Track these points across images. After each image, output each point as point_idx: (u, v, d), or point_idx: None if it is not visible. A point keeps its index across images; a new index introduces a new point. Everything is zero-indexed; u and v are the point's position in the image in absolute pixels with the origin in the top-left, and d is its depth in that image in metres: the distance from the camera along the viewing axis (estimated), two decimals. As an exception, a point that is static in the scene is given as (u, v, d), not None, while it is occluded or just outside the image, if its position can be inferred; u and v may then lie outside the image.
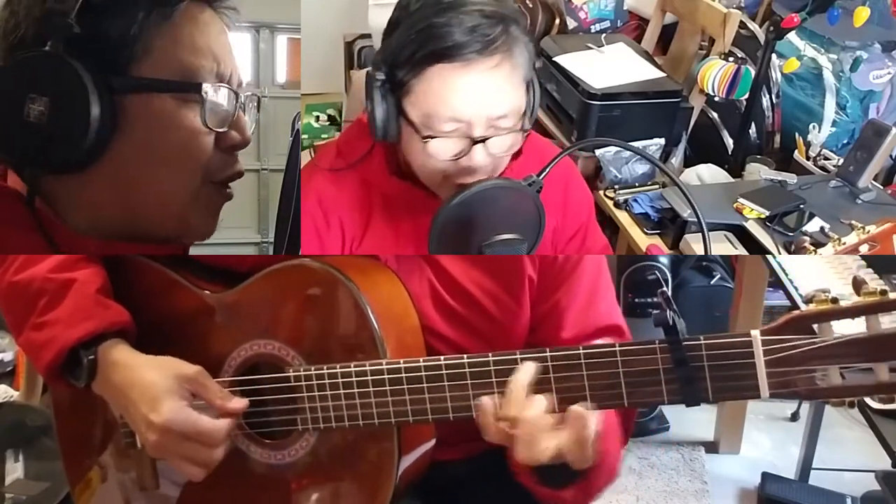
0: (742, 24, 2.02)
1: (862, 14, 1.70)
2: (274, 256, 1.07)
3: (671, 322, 0.75)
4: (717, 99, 2.02)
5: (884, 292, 0.72)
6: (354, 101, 2.60)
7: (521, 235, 1.02)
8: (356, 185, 1.10)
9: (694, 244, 1.66)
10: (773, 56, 1.87)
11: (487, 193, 0.98)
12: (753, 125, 2.00)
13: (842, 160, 1.83)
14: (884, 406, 1.41)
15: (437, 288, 0.98)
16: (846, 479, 2.19)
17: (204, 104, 0.83)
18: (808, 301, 0.75)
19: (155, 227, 0.86)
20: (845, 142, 2.00)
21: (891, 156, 1.85)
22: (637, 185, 1.90)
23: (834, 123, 2.00)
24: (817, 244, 1.54)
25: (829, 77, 2.00)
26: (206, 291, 0.97)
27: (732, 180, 1.90)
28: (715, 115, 2.09)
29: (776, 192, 1.71)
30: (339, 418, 0.88)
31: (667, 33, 2.32)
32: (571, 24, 2.45)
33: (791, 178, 1.76)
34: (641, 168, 1.93)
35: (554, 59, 2.05)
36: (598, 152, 1.92)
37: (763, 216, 1.63)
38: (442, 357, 0.84)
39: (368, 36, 2.72)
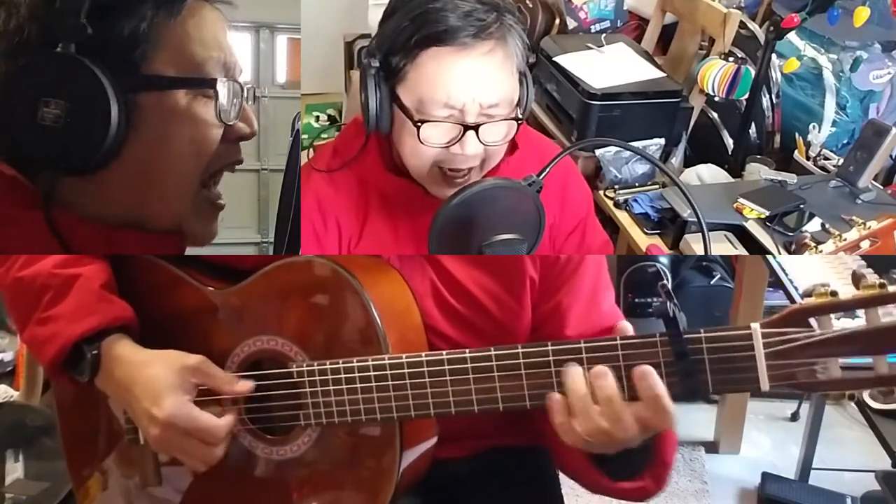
0: (742, 24, 2.02)
1: (862, 14, 1.70)
2: (276, 256, 1.07)
3: (672, 314, 0.75)
4: (717, 99, 2.02)
5: (882, 285, 0.72)
6: (354, 101, 2.60)
7: (521, 235, 1.02)
8: (352, 184, 1.10)
9: (694, 244, 1.66)
10: (773, 56, 1.87)
11: (487, 193, 0.98)
12: (753, 125, 2.00)
13: (842, 160, 1.83)
14: (884, 406, 1.41)
15: (439, 287, 0.98)
16: (846, 479, 2.19)
17: (217, 99, 0.84)
18: (807, 295, 0.75)
19: (157, 222, 0.87)
20: (845, 142, 2.00)
21: (891, 156, 1.85)
22: (637, 185, 1.90)
23: (834, 123, 2.00)
24: (818, 241, 1.54)
25: (829, 77, 2.00)
26: (210, 288, 0.97)
27: (732, 180, 1.90)
28: (715, 115, 2.09)
29: (776, 192, 1.71)
30: (342, 413, 0.88)
31: (667, 33, 2.32)
32: (571, 24, 2.45)
33: (791, 178, 1.76)
34: (641, 168, 1.93)
35: (554, 59, 2.05)
36: (598, 152, 1.92)
37: (763, 216, 1.63)
38: (444, 351, 0.84)
39: (368, 36, 2.71)
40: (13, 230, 0.82)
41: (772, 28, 1.79)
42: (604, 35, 2.27)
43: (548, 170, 1.02)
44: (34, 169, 0.81)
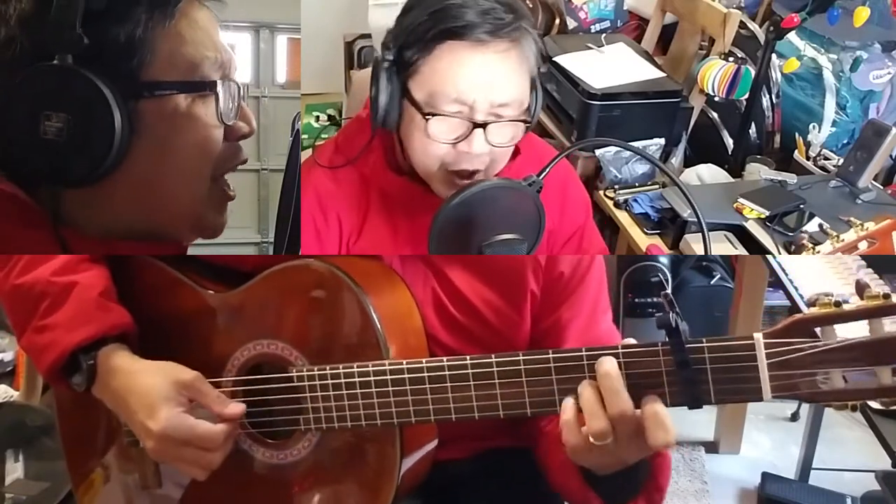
0: (742, 24, 2.02)
1: (862, 14, 1.70)
2: (276, 256, 1.07)
3: (674, 324, 0.75)
4: (717, 99, 2.02)
5: (887, 296, 0.71)
6: (354, 101, 2.60)
7: (521, 235, 1.02)
8: (354, 180, 1.10)
9: (694, 244, 1.66)
10: (773, 56, 1.87)
11: (487, 193, 0.98)
12: (753, 125, 2.00)
13: (842, 160, 1.82)
14: (884, 407, 1.41)
15: (440, 296, 0.98)
16: (846, 479, 2.19)
17: (218, 100, 0.84)
18: (810, 304, 0.74)
19: (169, 226, 0.87)
20: (845, 142, 2.00)
21: (891, 156, 1.85)
22: (637, 185, 1.90)
23: (834, 123, 2.00)
24: (816, 241, 1.54)
25: (829, 77, 2.00)
26: (210, 291, 0.97)
27: (732, 180, 1.90)
28: (715, 115, 2.09)
29: (776, 192, 1.71)
30: (342, 418, 0.88)
31: (667, 33, 2.32)
32: (571, 24, 2.45)
33: (791, 178, 1.76)
34: (641, 168, 1.93)
35: (554, 59, 2.05)
36: (598, 152, 1.92)
37: (763, 216, 1.63)
38: (445, 358, 0.84)
39: (368, 36, 2.72)
40: (20, 249, 0.82)
41: (772, 28, 1.79)
42: (604, 35, 2.27)
43: (548, 170, 1.02)
44: (38, 184, 0.80)
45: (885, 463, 1.56)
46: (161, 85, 0.81)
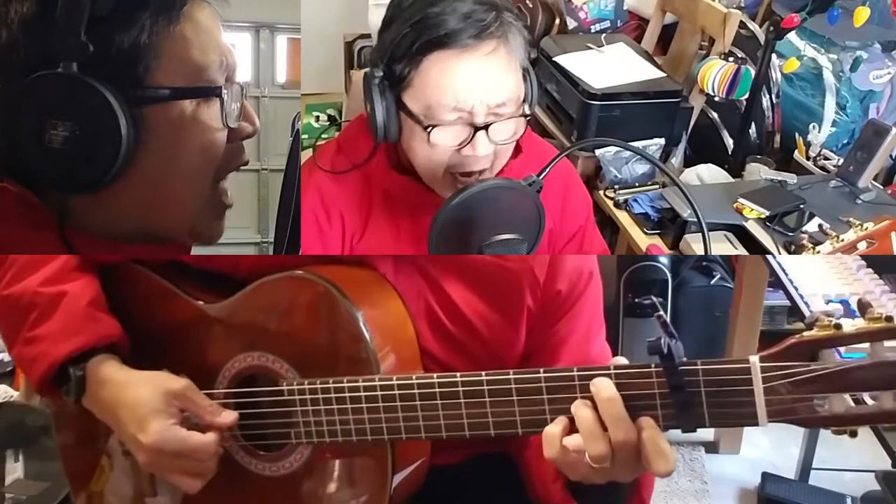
0: (742, 24, 2.02)
1: (862, 14, 1.70)
2: (272, 258, 1.07)
3: (665, 350, 0.73)
4: (717, 99, 2.02)
5: (889, 318, 0.69)
6: (354, 101, 2.60)
7: (521, 235, 1.02)
8: (356, 180, 1.10)
9: (694, 244, 1.66)
10: (773, 56, 1.87)
11: (487, 193, 0.98)
12: (753, 125, 2.00)
13: (842, 160, 1.83)
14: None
15: (434, 307, 0.96)
16: (846, 479, 2.19)
17: (223, 104, 0.84)
18: (810, 325, 0.72)
19: (172, 229, 0.87)
20: (845, 142, 2.00)
21: (891, 156, 1.85)
22: (637, 185, 1.90)
23: (834, 123, 2.00)
24: (815, 242, 1.54)
25: (829, 77, 2.00)
26: (200, 302, 0.96)
27: (732, 180, 1.90)
28: (715, 115, 2.09)
29: (776, 192, 1.71)
30: (333, 433, 0.87)
31: (667, 33, 2.32)
32: (571, 24, 2.45)
33: (791, 178, 1.76)
34: (641, 168, 1.93)
35: (554, 59, 2.05)
36: (598, 152, 1.92)
37: (763, 216, 1.63)
38: (435, 375, 0.83)
39: (368, 36, 2.72)
40: (25, 248, 0.82)
41: (772, 28, 1.79)
42: (604, 35, 2.27)
43: (548, 170, 1.02)
44: (44, 191, 0.80)
45: (885, 463, 1.57)
46: (167, 92, 0.80)
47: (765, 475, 2.22)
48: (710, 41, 2.13)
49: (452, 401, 0.82)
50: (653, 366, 0.75)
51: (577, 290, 0.99)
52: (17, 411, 1.80)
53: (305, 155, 1.22)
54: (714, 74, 1.91)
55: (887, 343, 0.69)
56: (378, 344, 0.88)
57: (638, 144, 1.81)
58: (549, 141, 1.87)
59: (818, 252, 1.35)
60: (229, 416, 0.88)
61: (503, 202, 0.99)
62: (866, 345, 0.70)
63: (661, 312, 0.75)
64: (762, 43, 1.87)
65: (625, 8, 2.47)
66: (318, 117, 3.02)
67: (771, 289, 2.30)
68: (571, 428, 0.77)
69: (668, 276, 2.51)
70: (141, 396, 0.86)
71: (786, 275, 1.68)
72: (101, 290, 0.95)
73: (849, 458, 2.21)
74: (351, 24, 2.89)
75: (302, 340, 0.91)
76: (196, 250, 0.95)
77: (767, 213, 1.63)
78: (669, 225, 1.72)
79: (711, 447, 2.45)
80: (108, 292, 0.96)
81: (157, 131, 0.80)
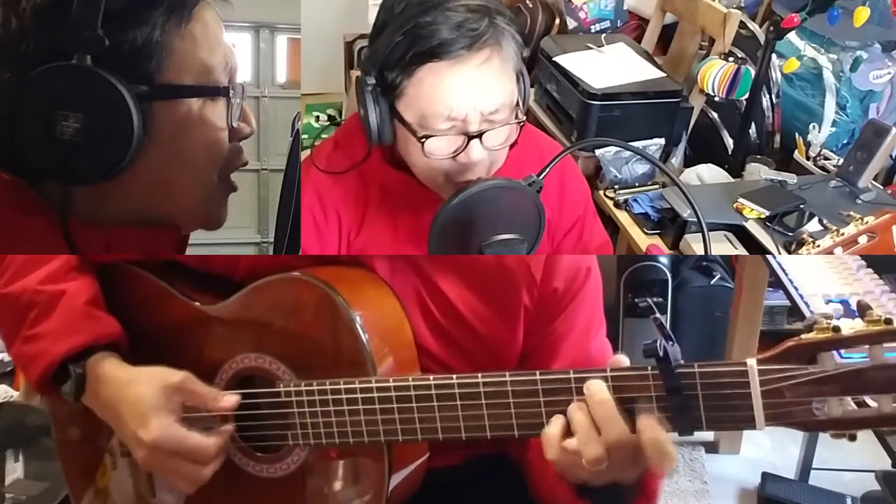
0: (742, 24, 2.02)
1: (862, 14, 1.70)
2: (269, 258, 1.06)
3: (661, 353, 0.72)
4: (717, 99, 2.02)
5: (888, 321, 0.68)
6: (354, 100, 2.60)
7: (521, 235, 1.02)
8: (353, 177, 1.10)
9: (694, 244, 1.66)
10: (773, 56, 1.87)
11: (487, 193, 0.98)
12: (753, 125, 2.00)
13: (842, 160, 1.83)
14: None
15: (428, 303, 0.96)
16: (846, 479, 2.19)
17: (229, 104, 0.85)
18: (809, 328, 0.71)
19: (174, 221, 0.87)
20: (845, 142, 2.00)
21: (891, 156, 1.85)
22: (637, 185, 1.90)
23: (834, 123, 2.00)
24: (815, 236, 1.53)
25: (829, 77, 2.00)
26: (197, 303, 0.95)
27: (732, 180, 1.90)
28: (715, 115, 2.09)
29: (776, 192, 1.72)
30: (329, 435, 0.87)
31: (667, 33, 2.32)
32: (571, 24, 2.45)
33: (791, 178, 1.76)
34: (641, 168, 1.93)
35: (554, 59, 2.05)
36: (598, 152, 1.92)
37: (763, 216, 1.63)
38: (431, 377, 0.83)
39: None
40: (20, 236, 0.81)
41: (772, 28, 1.79)
42: (604, 35, 2.27)
43: (547, 170, 1.02)
44: (50, 181, 0.80)
45: (885, 463, 1.57)
46: (178, 89, 0.81)
47: (765, 475, 2.22)
48: (710, 41, 2.14)
49: (449, 403, 0.82)
50: (649, 368, 0.75)
51: (575, 286, 0.99)
52: (17, 411, 1.80)
53: (305, 155, 1.23)
54: (714, 74, 1.91)
55: (886, 345, 0.69)
56: (375, 346, 0.87)
57: (638, 144, 1.81)
58: (549, 141, 1.87)
59: (818, 246, 1.34)
60: (231, 399, 0.88)
61: (503, 202, 0.99)
62: (865, 347, 0.70)
63: (658, 315, 0.75)
64: (762, 43, 1.87)
65: (625, 8, 2.47)
66: (318, 117, 3.02)
67: (771, 289, 2.30)
68: (569, 429, 0.77)
69: (668, 276, 2.51)
70: (142, 393, 0.86)
71: (786, 275, 1.68)
72: (100, 290, 0.95)
73: (849, 458, 2.21)
74: (351, 24, 2.89)
75: (300, 342, 0.90)
76: (197, 249, 0.95)
77: (767, 213, 1.63)
78: (669, 225, 1.72)
79: (711, 447, 2.45)
80: (105, 294, 0.96)
81: (165, 127, 0.81)
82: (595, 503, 0.85)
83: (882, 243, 1.32)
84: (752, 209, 1.64)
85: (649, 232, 1.76)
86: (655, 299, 2.47)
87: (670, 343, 0.73)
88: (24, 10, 0.77)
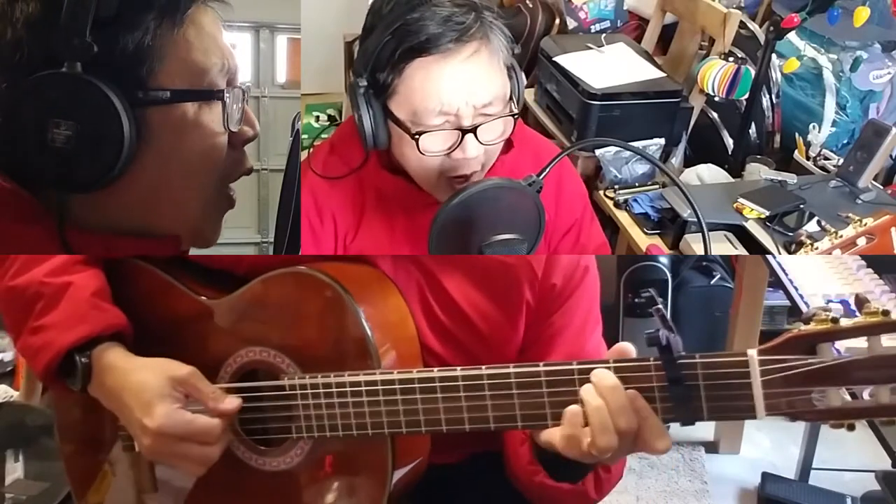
0: (742, 24, 2.02)
1: (862, 14, 1.70)
2: (272, 257, 1.07)
3: (664, 342, 0.73)
4: (717, 99, 2.02)
5: (886, 312, 0.69)
6: (354, 101, 2.60)
7: (521, 235, 1.02)
8: (349, 181, 1.10)
9: (694, 244, 1.66)
10: (773, 56, 1.87)
11: (487, 193, 0.98)
12: (753, 125, 2.00)
13: (842, 160, 1.83)
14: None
15: (430, 301, 0.97)
16: (846, 479, 2.19)
17: (225, 108, 0.84)
18: (807, 320, 0.72)
19: (171, 231, 0.87)
20: (845, 142, 2.00)
21: (891, 156, 1.86)
22: (637, 185, 1.90)
23: (834, 123, 2.00)
24: (815, 240, 1.54)
25: (829, 77, 2.00)
26: (203, 297, 0.96)
27: (732, 180, 1.90)
28: (715, 115, 2.09)
29: (776, 192, 1.72)
30: (333, 427, 0.87)
31: (667, 33, 2.32)
32: (571, 24, 2.45)
33: (791, 178, 1.76)
34: (641, 168, 1.93)
35: (554, 59, 2.05)
36: (598, 152, 1.92)
37: (763, 216, 1.63)
38: (435, 369, 0.83)
39: (368, 36, 2.72)
40: (18, 244, 0.82)
41: (772, 28, 1.79)
42: (604, 35, 2.27)
43: (547, 170, 1.02)
44: (44, 189, 0.80)
45: (885, 463, 1.57)
46: (171, 94, 0.80)
47: (765, 475, 2.22)
48: (710, 41, 2.14)
49: (452, 394, 0.82)
50: (651, 359, 0.76)
51: (573, 283, 1.00)
52: (17, 411, 1.80)
53: (305, 155, 1.23)
54: (714, 74, 1.91)
55: (884, 337, 0.70)
56: (379, 340, 0.88)
57: (638, 144, 1.82)
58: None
59: (816, 248, 1.35)
60: (233, 403, 0.89)
61: (503, 202, 0.99)
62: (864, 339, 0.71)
63: (660, 306, 0.76)
64: (762, 43, 1.87)
65: (625, 8, 2.48)
66: (318, 117, 3.02)
67: (771, 289, 2.30)
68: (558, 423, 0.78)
69: (668, 276, 2.51)
70: (146, 381, 0.87)
71: (786, 275, 1.68)
72: (106, 282, 0.96)
73: (849, 458, 2.22)
74: (351, 24, 2.88)
75: (304, 336, 0.91)
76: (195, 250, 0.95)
77: (767, 213, 1.63)
78: (669, 225, 1.73)
79: (711, 447, 2.45)
80: (111, 288, 0.96)
81: (159, 133, 0.80)
82: (552, 470, 0.88)
83: (881, 245, 1.32)
84: (752, 209, 1.64)
85: (649, 232, 1.76)
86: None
87: (672, 333, 0.74)
88: (17, 20, 0.77)
